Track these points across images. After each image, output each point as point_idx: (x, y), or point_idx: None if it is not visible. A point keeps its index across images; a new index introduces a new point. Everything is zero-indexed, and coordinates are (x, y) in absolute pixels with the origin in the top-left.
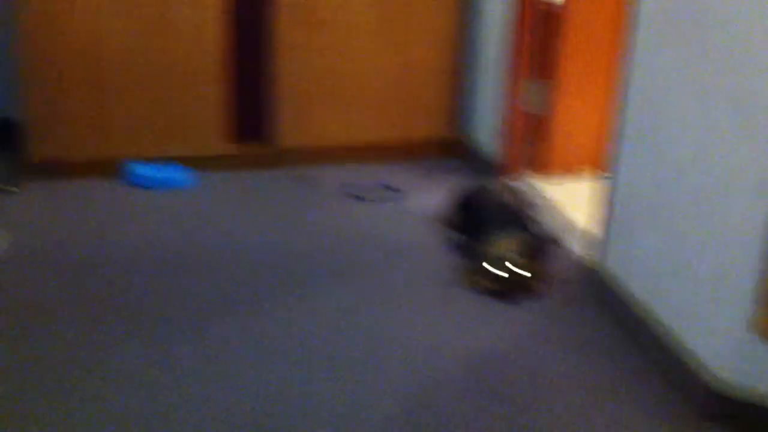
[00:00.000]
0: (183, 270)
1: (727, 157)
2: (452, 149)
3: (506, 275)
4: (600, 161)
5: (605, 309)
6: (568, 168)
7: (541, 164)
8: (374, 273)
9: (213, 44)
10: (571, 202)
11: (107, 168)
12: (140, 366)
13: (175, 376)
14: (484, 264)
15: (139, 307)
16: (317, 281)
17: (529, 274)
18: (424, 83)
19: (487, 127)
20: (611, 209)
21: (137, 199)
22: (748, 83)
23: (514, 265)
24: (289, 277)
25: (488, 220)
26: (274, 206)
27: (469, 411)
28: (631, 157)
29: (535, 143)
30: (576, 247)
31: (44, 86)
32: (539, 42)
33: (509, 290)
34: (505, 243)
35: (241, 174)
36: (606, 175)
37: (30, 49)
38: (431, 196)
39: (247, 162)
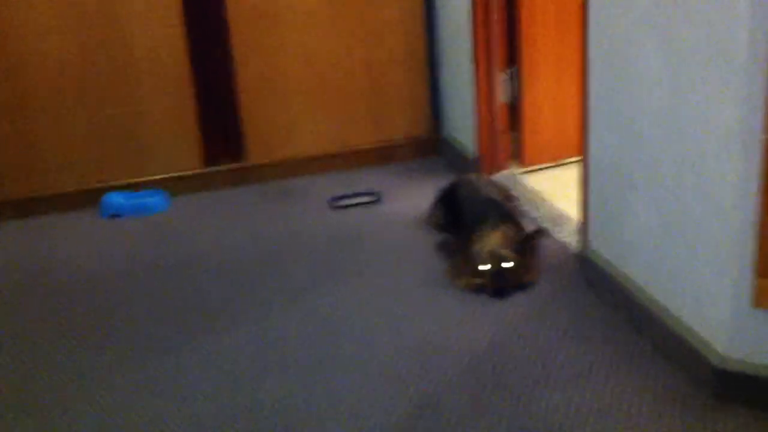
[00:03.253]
0: (168, 287)
1: (705, 119)
2: (429, 148)
3: (495, 269)
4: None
5: (599, 294)
6: (551, 157)
7: (522, 155)
8: (363, 277)
9: (171, 60)
10: (555, 190)
11: (80, 200)
12: (126, 381)
13: (165, 391)
14: (472, 260)
15: (125, 324)
16: (308, 288)
17: (518, 266)
18: (393, 82)
19: (463, 122)
20: (590, 191)
21: (114, 228)
22: (718, 35)
23: (501, 258)
24: (279, 286)
25: (472, 215)
26: (254, 221)
27: (472, 406)
28: (603, 133)
29: (513, 134)
30: (563, 235)
31: (8, 121)
32: (508, 29)
33: (499, 284)
34: (491, 237)
35: (216, 193)
36: (580, 157)
37: None
38: (412, 196)
39: (221, 181)
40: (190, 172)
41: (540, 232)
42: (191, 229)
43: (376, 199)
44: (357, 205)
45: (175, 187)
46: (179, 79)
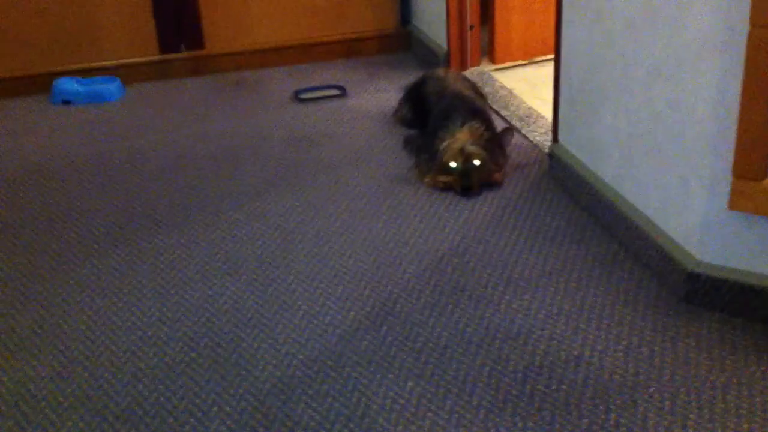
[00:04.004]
0: (117, 183)
1: (682, 22)
2: (397, 42)
3: (463, 167)
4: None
5: (570, 194)
6: (524, 54)
7: (493, 52)
8: (323, 175)
9: None
10: (527, 89)
11: (30, 85)
12: (68, 279)
13: (109, 289)
14: (439, 157)
15: (68, 221)
16: (264, 187)
17: (486, 164)
18: None
19: (432, 16)
20: (561, 92)
21: (64, 116)
22: None
23: (470, 155)
24: (233, 185)
25: (440, 111)
26: (211, 113)
27: (430, 309)
28: (576, 33)
29: (485, 30)
30: (533, 134)
31: None
32: None
33: (467, 182)
34: (460, 134)
35: (173, 82)
36: (554, 57)
37: None
38: (378, 91)
39: (178, 70)
40: (145, 59)
41: (509, 130)
42: (145, 120)
43: (342, 93)
44: (321, 98)
45: (129, 74)
46: None
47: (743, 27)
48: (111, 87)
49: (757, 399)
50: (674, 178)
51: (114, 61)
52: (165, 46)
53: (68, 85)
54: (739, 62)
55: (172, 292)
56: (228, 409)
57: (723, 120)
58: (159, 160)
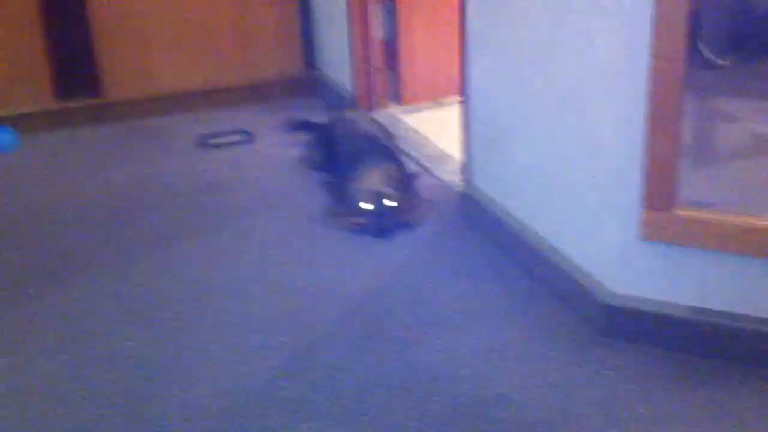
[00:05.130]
0: (14, 238)
1: (585, 52)
2: (303, 86)
3: (376, 209)
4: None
5: (484, 233)
6: (431, 96)
7: (400, 94)
8: (234, 222)
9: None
10: (436, 129)
11: None
12: None
13: (11, 348)
14: (352, 199)
15: None
16: (173, 236)
17: (400, 205)
18: (262, 17)
19: (338, 59)
20: (470, 132)
21: None
22: None
23: (383, 196)
24: (145, 233)
25: (350, 153)
26: (113, 163)
27: (348, 353)
28: (482, 75)
29: (391, 72)
30: (445, 174)
31: None
32: None
33: (381, 225)
34: (372, 175)
35: (72, 131)
36: (461, 98)
37: None
38: (286, 136)
39: (76, 118)
40: (40, 108)
41: (421, 172)
42: (42, 172)
43: (248, 138)
44: (228, 143)
45: (23, 124)
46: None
47: (644, 60)
48: (3, 137)
49: (682, 428)
50: (587, 211)
51: (7, 110)
52: (61, 94)
53: None
54: (642, 94)
55: (79, 347)
56: None
57: (630, 152)
58: (58, 213)
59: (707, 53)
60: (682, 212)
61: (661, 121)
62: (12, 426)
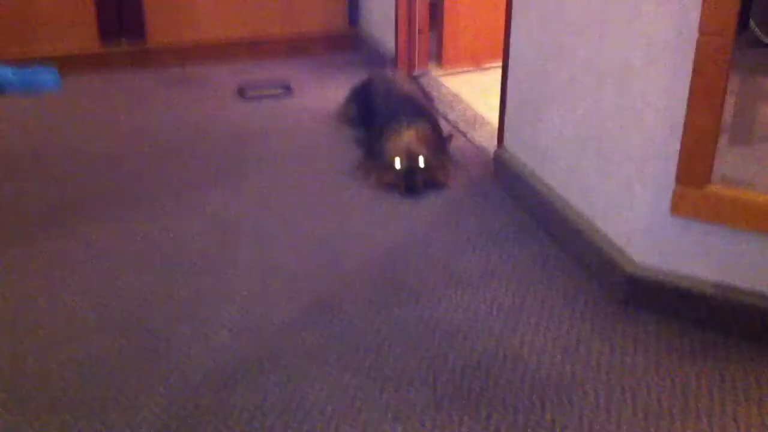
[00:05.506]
0: (51, 176)
1: (631, 27)
2: (345, 43)
3: (408, 167)
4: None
5: (514, 197)
6: (472, 60)
7: (441, 56)
8: (265, 172)
9: None
10: (474, 93)
11: None
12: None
13: (42, 275)
14: (384, 157)
15: (10, 205)
16: (210, 179)
17: (432, 165)
18: None
19: (382, 18)
20: (508, 96)
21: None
22: None
23: (415, 156)
24: (176, 178)
25: (386, 111)
26: (151, 108)
27: (375, 304)
28: (525, 40)
29: (434, 34)
30: (480, 139)
31: None
32: None
33: (412, 183)
34: (406, 134)
35: (114, 75)
36: (502, 61)
37: None
38: (324, 90)
39: (118, 62)
40: (83, 51)
41: (456, 132)
42: (82, 112)
43: (287, 91)
44: (266, 96)
45: (67, 65)
46: None
47: (692, 34)
48: (47, 77)
49: (690, 400)
50: (619, 182)
51: (52, 51)
52: (105, 37)
53: (2, 73)
54: (687, 69)
55: (104, 279)
56: (157, 398)
57: (669, 125)
58: (94, 152)
59: (758, 31)
60: (716, 189)
61: (704, 96)
62: (28, 349)
